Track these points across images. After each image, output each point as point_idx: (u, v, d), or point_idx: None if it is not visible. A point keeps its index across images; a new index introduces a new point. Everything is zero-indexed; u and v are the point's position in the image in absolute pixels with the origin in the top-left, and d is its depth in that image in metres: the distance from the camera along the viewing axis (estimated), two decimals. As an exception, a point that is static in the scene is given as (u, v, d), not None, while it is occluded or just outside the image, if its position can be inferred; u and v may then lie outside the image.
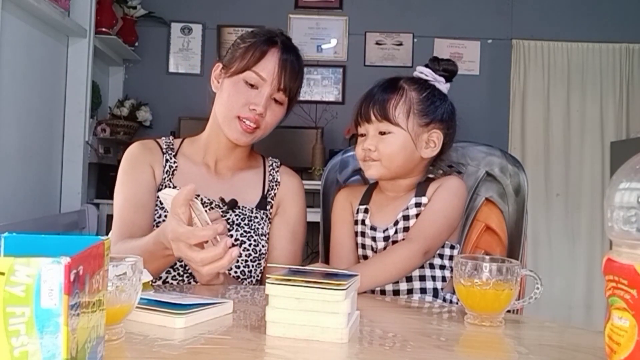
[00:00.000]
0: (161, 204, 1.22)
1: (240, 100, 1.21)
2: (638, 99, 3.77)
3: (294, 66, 1.24)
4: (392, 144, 1.18)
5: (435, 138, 1.21)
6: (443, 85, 1.24)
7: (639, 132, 3.58)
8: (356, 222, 1.27)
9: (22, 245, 0.55)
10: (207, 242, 0.97)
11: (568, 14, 3.81)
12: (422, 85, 1.22)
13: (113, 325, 0.69)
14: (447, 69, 1.24)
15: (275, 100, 1.24)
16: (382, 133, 1.18)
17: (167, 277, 1.20)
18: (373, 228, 1.22)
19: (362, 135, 1.22)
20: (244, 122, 1.22)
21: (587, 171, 3.74)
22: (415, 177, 1.24)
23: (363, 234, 1.25)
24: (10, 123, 2.38)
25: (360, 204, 1.28)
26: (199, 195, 1.22)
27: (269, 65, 1.22)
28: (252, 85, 1.22)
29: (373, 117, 1.18)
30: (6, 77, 2.31)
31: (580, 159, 3.75)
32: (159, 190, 1.26)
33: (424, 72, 1.24)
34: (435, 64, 1.25)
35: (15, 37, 2.36)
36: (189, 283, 1.20)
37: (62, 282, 0.42)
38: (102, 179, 3.32)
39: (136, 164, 1.27)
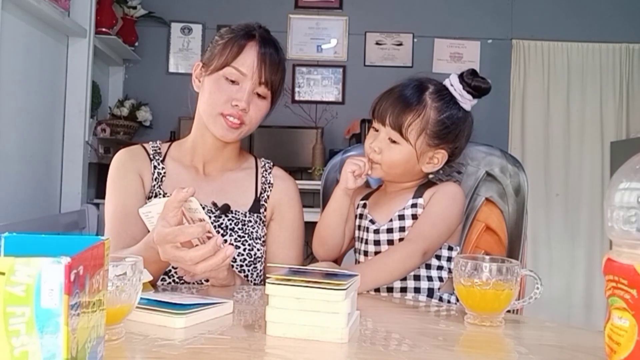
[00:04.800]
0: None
1: (222, 97, 1.21)
2: (638, 99, 3.76)
3: (273, 59, 1.23)
4: (396, 154, 1.18)
5: (439, 156, 1.21)
6: (468, 103, 1.21)
7: (639, 132, 3.58)
8: (356, 217, 1.28)
9: (22, 245, 0.55)
10: (197, 244, 0.95)
11: (568, 14, 3.81)
12: (445, 102, 1.19)
13: (113, 325, 0.69)
14: (480, 87, 1.20)
15: (258, 95, 1.23)
16: (392, 140, 1.18)
17: (162, 285, 1.19)
18: (372, 221, 1.24)
19: (374, 129, 1.22)
20: (228, 118, 1.21)
21: (587, 171, 3.74)
22: (416, 180, 1.25)
23: (360, 228, 1.26)
24: (10, 123, 2.38)
25: (360, 200, 1.30)
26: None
27: (248, 60, 1.21)
28: (232, 81, 1.21)
29: (387, 122, 1.18)
30: (6, 77, 2.31)
31: (580, 159, 3.75)
32: (148, 198, 1.25)
33: (454, 85, 1.20)
34: (470, 78, 1.20)
35: (15, 37, 2.36)
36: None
37: (62, 282, 0.42)
38: (102, 179, 3.31)
39: (124, 172, 1.26)
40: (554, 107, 3.78)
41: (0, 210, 2.29)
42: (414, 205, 1.20)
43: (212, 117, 1.23)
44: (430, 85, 1.21)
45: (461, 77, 1.21)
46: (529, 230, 1.38)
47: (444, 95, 1.20)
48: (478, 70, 1.22)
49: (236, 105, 1.20)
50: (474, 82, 1.20)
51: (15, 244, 0.55)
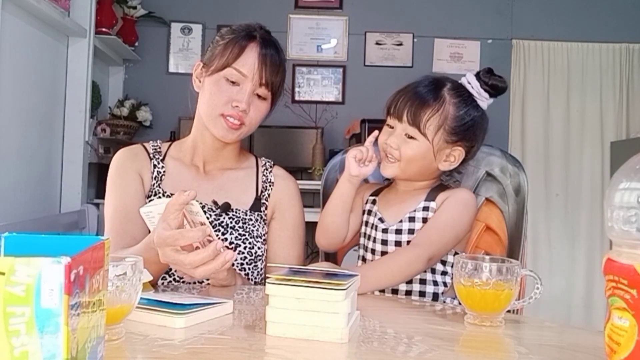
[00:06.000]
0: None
1: (223, 98, 1.21)
2: (638, 99, 3.76)
3: (274, 60, 1.23)
4: (414, 149, 1.18)
5: (456, 154, 1.21)
6: (485, 102, 1.22)
7: (639, 132, 3.58)
8: (363, 212, 1.28)
9: (22, 245, 0.55)
10: (197, 247, 0.95)
11: (568, 14, 3.80)
12: (463, 99, 1.19)
13: (113, 325, 0.69)
14: (497, 86, 1.21)
15: (258, 96, 1.23)
16: (409, 136, 1.18)
17: (162, 284, 1.19)
18: (381, 220, 1.23)
19: (389, 126, 1.21)
20: (228, 119, 1.21)
21: (587, 171, 3.74)
22: (429, 181, 1.24)
23: (367, 224, 1.25)
24: (10, 123, 2.38)
25: (370, 195, 1.29)
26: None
27: (249, 61, 1.21)
28: (233, 82, 1.21)
29: (405, 118, 1.17)
30: (6, 77, 2.31)
31: (580, 159, 3.75)
32: (148, 197, 1.25)
33: (471, 83, 1.21)
34: (487, 76, 1.20)
35: (15, 37, 2.36)
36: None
37: (63, 282, 0.42)
38: (102, 179, 3.31)
39: (123, 172, 1.26)
40: (554, 107, 3.78)
41: (0, 210, 2.29)
42: (425, 209, 1.19)
43: (212, 118, 1.23)
44: (448, 82, 1.22)
45: (478, 75, 1.21)
46: (529, 230, 1.38)
47: (462, 92, 1.21)
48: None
49: (236, 107, 1.20)
50: (491, 81, 1.21)
51: (15, 244, 0.55)
